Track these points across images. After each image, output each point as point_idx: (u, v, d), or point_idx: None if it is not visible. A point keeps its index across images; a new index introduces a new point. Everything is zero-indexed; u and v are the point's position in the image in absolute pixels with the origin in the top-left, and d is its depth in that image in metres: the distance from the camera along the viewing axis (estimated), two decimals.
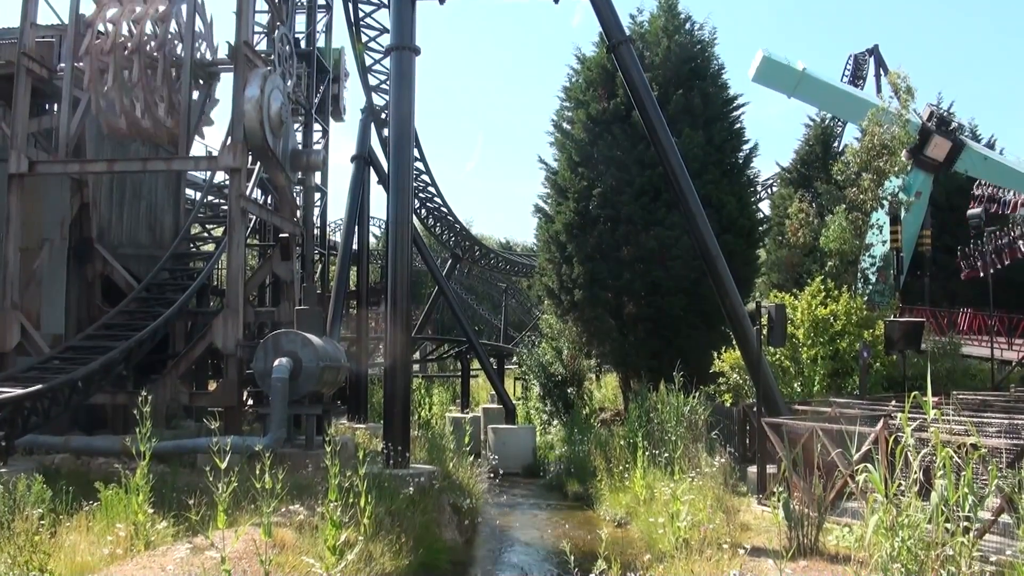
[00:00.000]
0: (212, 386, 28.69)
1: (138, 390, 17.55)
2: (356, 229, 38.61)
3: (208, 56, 25.56)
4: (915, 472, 9.91)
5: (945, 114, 40.57)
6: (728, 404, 26.94)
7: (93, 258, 25.22)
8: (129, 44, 24.18)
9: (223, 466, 11.33)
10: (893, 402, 18.64)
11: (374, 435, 27.77)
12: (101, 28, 24.54)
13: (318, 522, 12.77)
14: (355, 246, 38.94)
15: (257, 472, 11.76)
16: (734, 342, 25.18)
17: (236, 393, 22.48)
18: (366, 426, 31.79)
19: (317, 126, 39.30)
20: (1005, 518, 11.15)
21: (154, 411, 13.76)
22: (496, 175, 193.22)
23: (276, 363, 20.04)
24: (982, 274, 35.92)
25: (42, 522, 11.43)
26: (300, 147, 30.07)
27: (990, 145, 47.58)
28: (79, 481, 14.89)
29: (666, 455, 21.70)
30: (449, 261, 62.76)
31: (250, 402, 25.07)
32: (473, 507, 22.77)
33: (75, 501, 13.22)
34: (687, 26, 36.60)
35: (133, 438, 12.86)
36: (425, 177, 49.65)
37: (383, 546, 13.97)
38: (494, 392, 44.61)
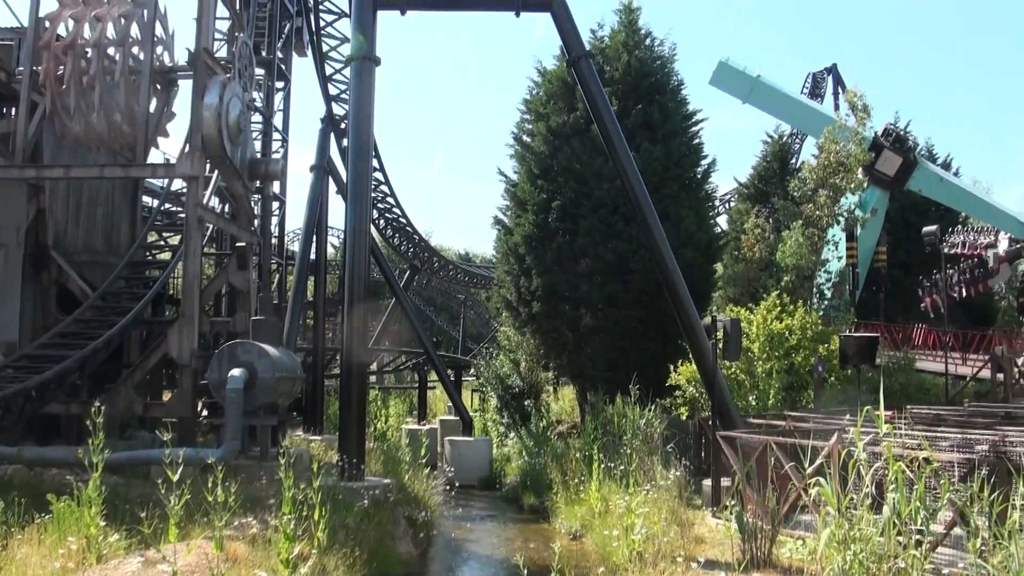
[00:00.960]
0: (167, 396, 28.40)
1: (92, 400, 17.33)
2: (314, 239, 38.41)
3: (167, 62, 25.38)
4: (867, 486, 10.02)
5: (901, 132, 41.07)
6: (684, 417, 27.05)
7: (49, 265, 24.87)
8: (88, 49, 23.98)
9: (176, 478, 11.22)
10: (848, 416, 18.80)
11: (330, 447, 27.61)
12: (61, 32, 24.31)
13: (271, 535, 12.69)
14: (313, 256, 38.75)
15: (210, 484, 11.67)
16: (690, 355, 25.32)
17: (191, 404, 22.23)
18: (322, 438, 31.58)
19: (277, 135, 39.14)
20: (958, 531, 11.29)
21: (108, 421, 13.63)
22: (456, 186, 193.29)
23: (231, 374, 19.84)
24: (941, 310, 36.69)
25: None
26: (259, 156, 29.89)
27: (946, 165, 48.35)
28: (32, 492, 14.67)
29: (622, 468, 21.77)
30: (407, 272, 62.61)
31: (205, 413, 24.82)
32: (428, 520, 22.72)
33: (27, 513, 13.03)
34: (647, 41, 36.80)
35: (86, 449, 12.70)
36: (384, 188, 49.52)
37: (337, 559, 13.89)
38: (451, 404, 44.56)
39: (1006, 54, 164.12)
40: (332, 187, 38.91)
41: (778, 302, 28.04)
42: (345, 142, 36.65)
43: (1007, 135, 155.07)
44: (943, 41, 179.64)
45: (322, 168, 38.07)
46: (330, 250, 53.69)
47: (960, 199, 41.38)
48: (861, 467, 10.13)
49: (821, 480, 10.82)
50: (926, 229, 35.23)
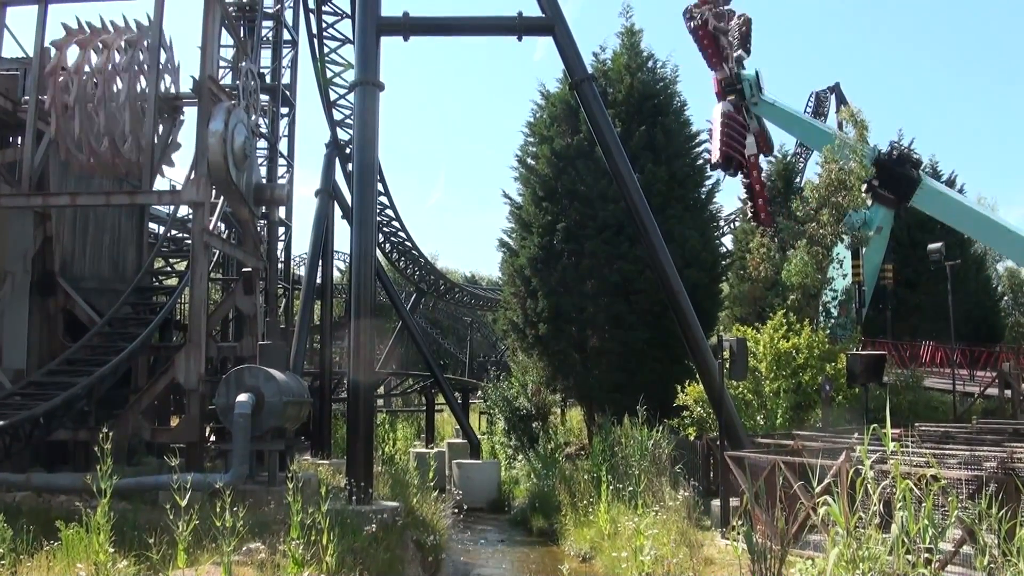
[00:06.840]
0: (174, 422, 28.39)
1: (100, 426, 17.33)
2: (320, 263, 38.48)
3: (173, 90, 25.49)
4: (875, 504, 10.00)
5: (904, 150, 40.84)
6: (692, 438, 27.00)
7: (55, 292, 24.92)
8: (94, 78, 24.10)
9: (184, 503, 11.24)
10: (856, 435, 18.75)
11: (337, 471, 27.55)
12: (66, 62, 24.43)
13: (280, 560, 12.67)
14: (319, 280, 38.81)
15: (218, 509, 11.66)
16: (697, 375, 25.29)
17: (198, 429, 22.21)
18: (330, 462, 31.52)
19: (282, 160, 39.28)
20: (967, 549, 11.26)
21: (116, 447, 13.60)
22: (461, 209, 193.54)
23: (238, 398, 19.83)
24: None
25: (2, 561, 11.25)
26: (264, 181, 29.98)
27: (950, 182, 48.37)
28: (40, 519, 14.66)
29: (630, 489, 21.72)
30: (413, 295, 62.65)
31: (212, 438, 24.81)
32: (437, 543, 22.63)
33: (36, 540, 13.01)
34: (649, 64, 37.02)
35: (95, 475, 12.70)
36: (389, 211, 49.67)
37: None
38: (459, 427, 44.46)
39: (1011, 70, 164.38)
40: (337, 211, 39.02)
41: (784, 321, 28.01)
42: (350, 166, 36.76)
43: (1013, 152, 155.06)
44: (947, 58, 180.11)
45: (327, 192, 38.19)
46: (336, 274, 53.69)
47: (960, 216, 38.43)
48: (869, 486, 10.11)
49: (829, 499, 10.78)
50: (931, 246, 35.12)
